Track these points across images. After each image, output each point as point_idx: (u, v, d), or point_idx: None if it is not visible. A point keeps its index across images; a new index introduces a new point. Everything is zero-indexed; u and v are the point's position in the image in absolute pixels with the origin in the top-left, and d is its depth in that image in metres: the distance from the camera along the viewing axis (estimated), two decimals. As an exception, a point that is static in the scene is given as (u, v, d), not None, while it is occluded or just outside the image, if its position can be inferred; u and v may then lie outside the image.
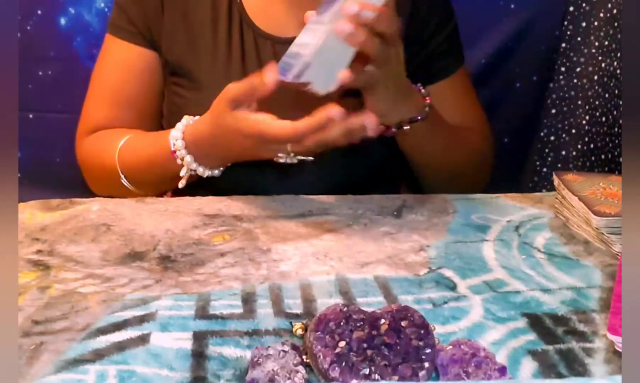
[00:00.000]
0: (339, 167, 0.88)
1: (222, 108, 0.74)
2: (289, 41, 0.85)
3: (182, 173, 0.81)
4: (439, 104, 0.86)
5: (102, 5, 1.26)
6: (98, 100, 0.93)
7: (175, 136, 0.80)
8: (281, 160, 0.75)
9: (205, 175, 0.81)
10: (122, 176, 0.86)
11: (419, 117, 0.80)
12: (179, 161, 0.80)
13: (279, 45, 0.87)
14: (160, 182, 0.88)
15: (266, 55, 0.87)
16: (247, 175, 0.84)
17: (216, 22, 0.88)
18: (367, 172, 0.92)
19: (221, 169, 0.82)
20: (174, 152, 0.80)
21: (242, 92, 0.72)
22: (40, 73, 1.32)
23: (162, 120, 0.95)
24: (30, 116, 1.34)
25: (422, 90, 0.82)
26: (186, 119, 0.81)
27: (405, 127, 0.79)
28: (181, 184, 0.81)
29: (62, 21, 1.29)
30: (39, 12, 1.29)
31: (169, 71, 0.91)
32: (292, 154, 0.74)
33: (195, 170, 0.80)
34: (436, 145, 0.87)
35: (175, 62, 0.90)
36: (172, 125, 0.81)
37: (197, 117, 0.80)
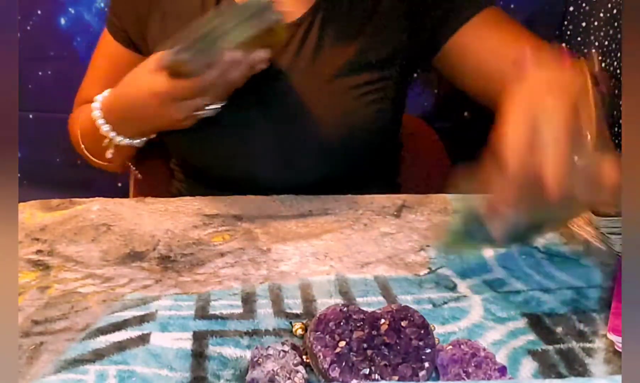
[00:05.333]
0: (338, 156, 0.87)
1: (144, 68, 0.77)
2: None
3: (104, 143, 0.84)
4: (476, 55, 0.83)
5: (102, 5, 1.27)
6: (93, 79, 0.96)
7: (95, 106, 0.83)
8: (197, 114, 0.77)
9: (123, 144, 0.84)
10: (80, 142, 0.91)
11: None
12: (100, 130, 0.83)
13: None
14: (101, 150, 0.88)
15: None
16: (244, 167, 0.85)
17: (205, 12, 0.87)
18: (366, 161, 0.91)
19: (143, 139, 0.85)
20: (94, 121, 0.83)
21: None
22: (40, 73, 1.32)
23: None
24: (30, 116, 1.34)
25: None
26: (108, 90, 0.84)
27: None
28: (108, 154, 0.84)
29: (62, 21, 1.29)
30: (39, 12, 1.29)
31: None
32: (204, 107, 0.76)
33: (114, 139, 0.83)
34: None
35: None
36: None
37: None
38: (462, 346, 0.48)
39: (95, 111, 0.83)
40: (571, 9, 1.27)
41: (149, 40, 0.90)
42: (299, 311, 0.56)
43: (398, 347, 0.47)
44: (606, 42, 1.20)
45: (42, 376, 0.47)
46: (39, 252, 0.67)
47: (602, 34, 1.21)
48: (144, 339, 0.52)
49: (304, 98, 0.84)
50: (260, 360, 0.47)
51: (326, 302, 0.58)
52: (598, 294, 0.60)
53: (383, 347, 0.47)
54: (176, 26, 0.88)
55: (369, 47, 0.85)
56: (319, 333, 0.48)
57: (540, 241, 0.71)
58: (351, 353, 0.46)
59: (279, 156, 0.85)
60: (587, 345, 0.52)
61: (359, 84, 0.84)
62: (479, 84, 0.85)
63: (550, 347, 0.52)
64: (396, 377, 0.45)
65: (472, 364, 0.47)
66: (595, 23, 1.23)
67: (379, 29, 0.85)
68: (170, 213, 0.76)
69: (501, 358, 0.50)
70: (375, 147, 0.89)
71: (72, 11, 1.29)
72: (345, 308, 0.50)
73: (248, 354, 0.50)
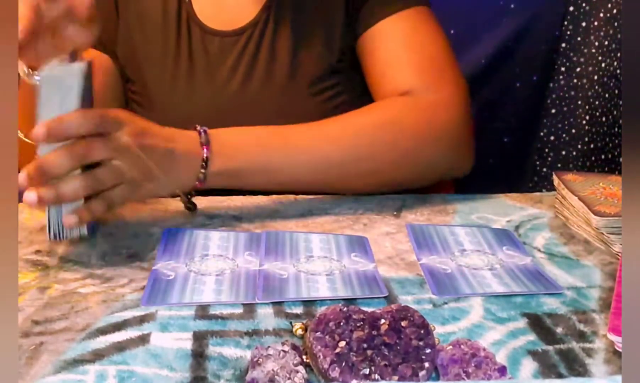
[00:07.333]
0: None
1: None
2: (237, 33, 0.89)
3: None
4: (378, 49, 0.86)
5: (102, 5, 1.26)
6: None
7: None
8: None
9: None
10: None
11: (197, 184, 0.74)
12: None
13: (227, 39, 0.89)
14: None
15: (214, 50, 0.89)
16: None
17: (166, 24, 0.90)
18: None
19: None
20: None
21: None
22: (40, 73, 1.32)
23: None
24: (30, 116, 1.33)
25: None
26: None
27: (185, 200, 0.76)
28: None
29: (62, 21, 1.29)
30: (39, 12, 1.29)
31: (126, 79, 0.92)
32: None
33: None
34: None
35: (130, 66, 0.92)
36: None
37: None
38: (462, 346, 0.48)
39: None
40: (571, 9, 1.27)
41: (118, 47, 0.92)
42: (299, 311, 0.56)
43: (398, 347, 0.47)
44: (606, 42, 1.20)
45: (41, 376, 0.47)
46: (38, 252, 0.67)
47: (602, 34, 1.21)
48: (144, 339, 0.52)
49: (280, 110, 0.86)
50: (260, 360, 0.47)
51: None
52: (598, 294, 0.60)
53: (383, 347, 0.47)
54: (139, 37, 0.91)
55: (326, 45, 0.87)
56: (319, 333, 0.48)
57: (540, 241, 0.71)
58: (351, 353, 0.46)
59: None
60: (587, 345, 0.52)
61: (327, 87, 0.87)
62: (369, 80, 0.89)
63: (550, 347, 0.52)
64: (396, 377, 0.45)
65: (472, 364, 0.47)
66: (595, 23, 1.23)
67: (328, 22, 0.87)
68: (170, 213, 0.76)
69: (501, 358, 0.50)
70: None
71: (72, 11, 1.29)
72: (345, 308, 0.50)
73: (248, 354, 0.50)
